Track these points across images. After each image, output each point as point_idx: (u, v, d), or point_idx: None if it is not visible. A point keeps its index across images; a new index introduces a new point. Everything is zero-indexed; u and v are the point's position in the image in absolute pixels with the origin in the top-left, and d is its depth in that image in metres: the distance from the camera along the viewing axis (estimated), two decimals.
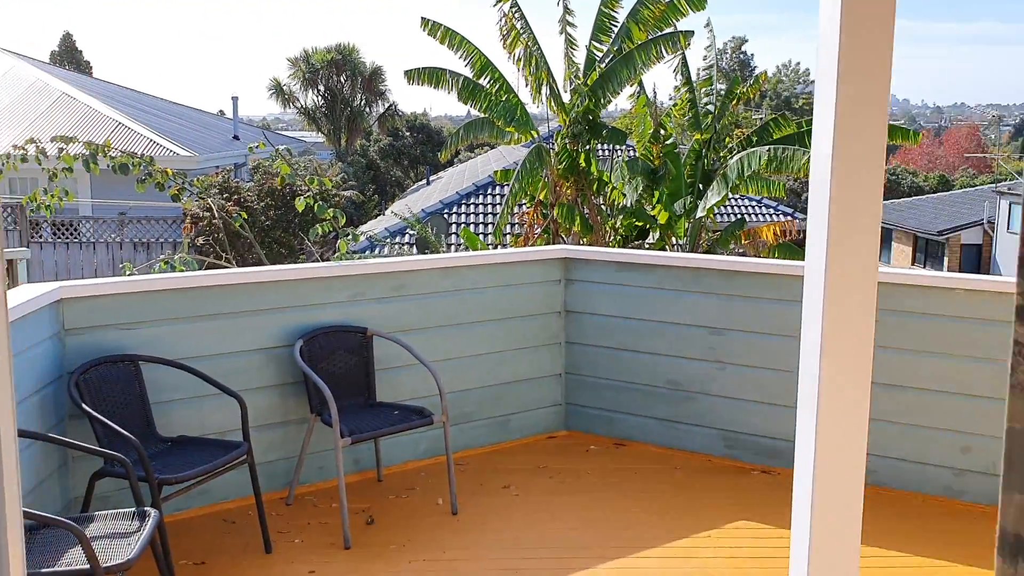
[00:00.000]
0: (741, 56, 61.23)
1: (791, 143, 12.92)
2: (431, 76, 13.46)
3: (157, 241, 15.06)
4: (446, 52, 13.37)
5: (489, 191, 21.00)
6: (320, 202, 5.12)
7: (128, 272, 4.65)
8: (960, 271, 30.62)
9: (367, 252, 18.27)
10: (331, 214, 5.13)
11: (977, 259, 30.66)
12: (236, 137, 27.38)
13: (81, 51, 48.45)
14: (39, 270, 14.92)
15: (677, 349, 5.35)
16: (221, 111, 33.07)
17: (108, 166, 5.46)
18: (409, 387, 5.10)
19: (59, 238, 15.04)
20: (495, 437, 5.49)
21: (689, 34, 13.10)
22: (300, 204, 5.13)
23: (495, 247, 13.91)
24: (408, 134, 46.62)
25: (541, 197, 13.89)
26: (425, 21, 13.34)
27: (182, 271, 4.71)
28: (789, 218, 22.88)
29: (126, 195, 14.27)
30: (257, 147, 5.37)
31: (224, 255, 5.35)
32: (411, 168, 45.87)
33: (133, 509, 3.40)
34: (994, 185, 32.22)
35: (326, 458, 4.88)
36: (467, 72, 13.56)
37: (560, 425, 5.75)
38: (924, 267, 32.10)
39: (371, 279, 4.99)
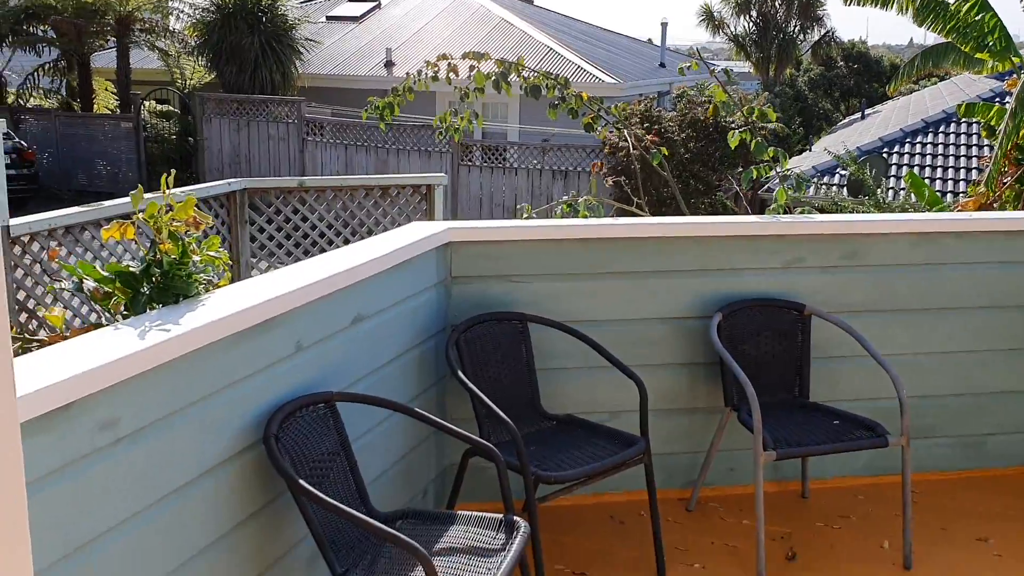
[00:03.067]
0: None
1: None
2: None
3: (575, 170, 14.94)
4: None
5: (942, 129, 18.13)
6: (758, 139, 4.06)
7: (527, 215, 4.02)
8: None
9: (791, 192, 16.68)
10: (772, 154, 4.05)
11: None
12: (662, 65, 26.75)
13: None
14: (466, 193, 15.56)
15: None
16: (650, 39, 32.66)
17: (521, 88, 4.89)
18: (851, 386, 3.94)
19: (487, 163, 15.55)
20: (965, 462, 4.14)
21: None
22: (734, 140, 4.12)
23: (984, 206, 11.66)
24: (842, 64, 42.82)
25: (1019, 139, 11.36)
26: None
27: (586, 216, 3.96)
28: None
29: (552, 121, 14.32)
30: (689, 68, 4.41)
31: (636, 199, 4.50)
32: (842, 101, 42.18)
33: (500, 517, 2.73)
34: None
35: (739, 459, 3.92)
36: None
37: None
38: None
39: (814, 242, 3.86)
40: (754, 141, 4.07)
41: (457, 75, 4.75)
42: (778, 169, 4.32)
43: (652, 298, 3.78)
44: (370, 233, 7.34)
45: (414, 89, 4.84)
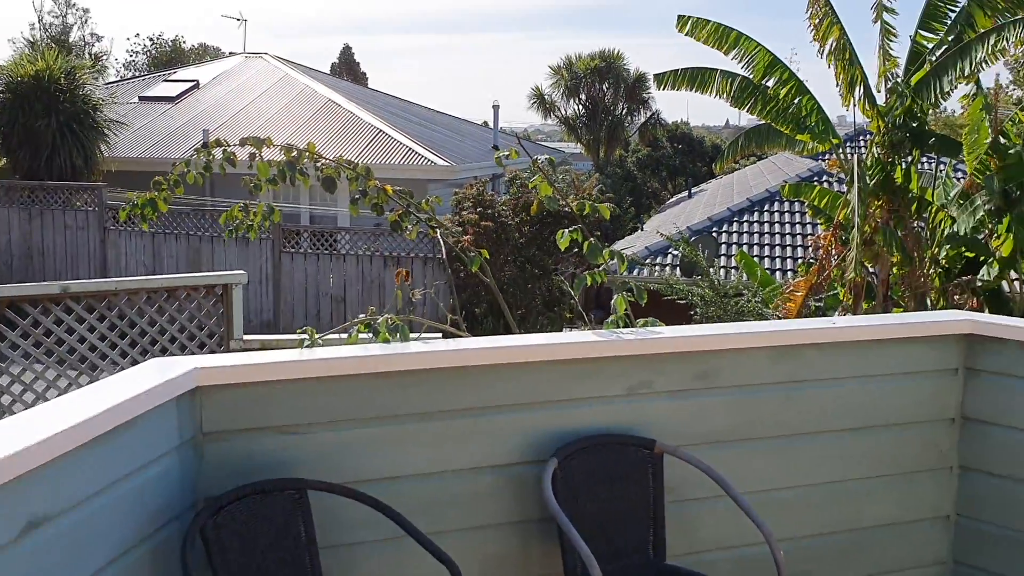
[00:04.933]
0: None
1: None
2: (694, 78, 11.34)
3: (408, 256, 14.18)
4: (713, 54, 11.25)
5: (767, 207, 18.62)
6: (591, 240, 3.42)
7: (309, 342, 3.18)
8: None
9: (627, 273, 16.58)
10: (607, 256, 3.42)
11: None
12: (496, 147, 26.72)
13: (359, 63, 50.65)
14: (289, 282, 14.47)
15: None
16: (485, 122, 32.77)
17: (318, 178, 4.11)
18: (714, 534, 3.28)
19: (315, 249, 14.59)
20: None
21: None
22: (563, 240, 3.46)
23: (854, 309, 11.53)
24: (668, 144, 44.62)
25: (840, 218, 11.51)
26: (683, 20, 11.23)
27: (386, 340, 3.17)
28: None
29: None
30: (508, 156, 3.76)
31: (451, 315, 3.75)
32: (669, 179, 43.79)
33: None
34: None
35: None
36: (743, 72, 11.39)
37: None
38: None
39: (662, 361, 3.22)
40: (587, 243, 3.42)
41: (234, 164, 3.92)
42: (613, 268, 3.70)
43: (470, 443, 3.01)
44: (154, 345, 6.27)
45: (206, 174, 3.99)
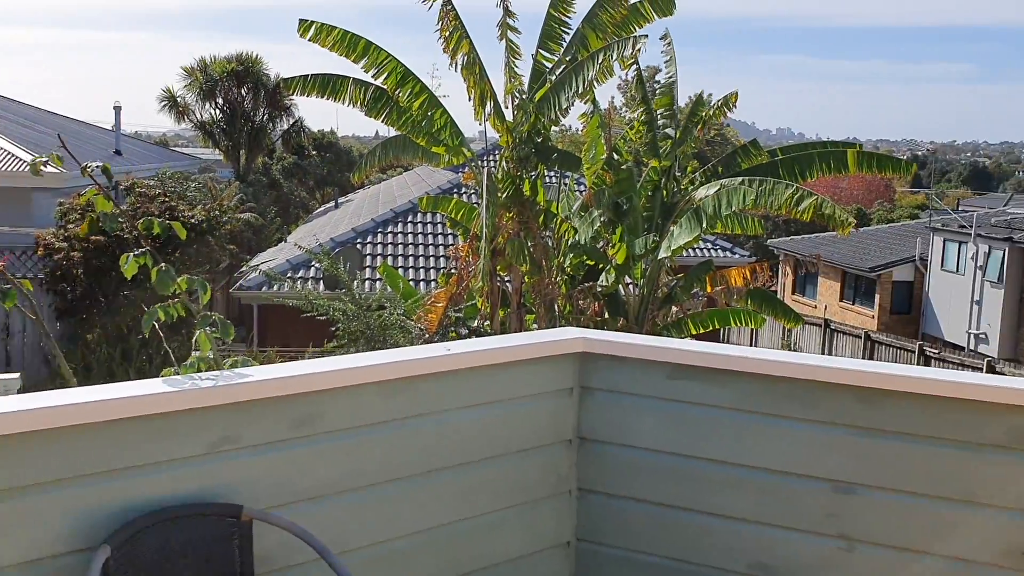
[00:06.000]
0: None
1: (762, 175, 11.10)
2: (326, 85, 10.95)
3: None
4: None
5: (410, 219, 18.71)
6: (163, 266, 2.82)
7: None
8: (891, 310, 29.72)
9: (264, 288, 15.74)
10: (183, 285, 2.84)
11: (908, 297, 29.74)
12: (119, 152, 24.36)
13: None
14: None
15: (772, 513, 3.24)
16: (115, 127, 29.83)
17: None
18: None
19: None
20: None
21: (641, 39, 10.85)
22: (129, 267, 2.83)
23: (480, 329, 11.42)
24: (315, 153, 43.86)
25: (476, 230, 11.72)
26: (305, 24, 10.77)
27: None
28: (736, 255, 21.34)
29: None
30: (48, 162, 3.04)
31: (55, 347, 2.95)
32: (317, 189, 43.07)
33: None
34: (928, 221, 31.49)
35: None
36: (377, 83, 11.20)
37: None
38: (853, 304, 31.11)
39: (252, 409, 2.72)
40: (156, 270, 2.82)
41: None
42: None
43: (4, 535, 2.30)
44: None
45: None
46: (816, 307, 31.51)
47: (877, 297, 29.90)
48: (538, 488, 3.44)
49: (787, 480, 3.20)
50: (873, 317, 29.70)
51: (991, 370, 22.26)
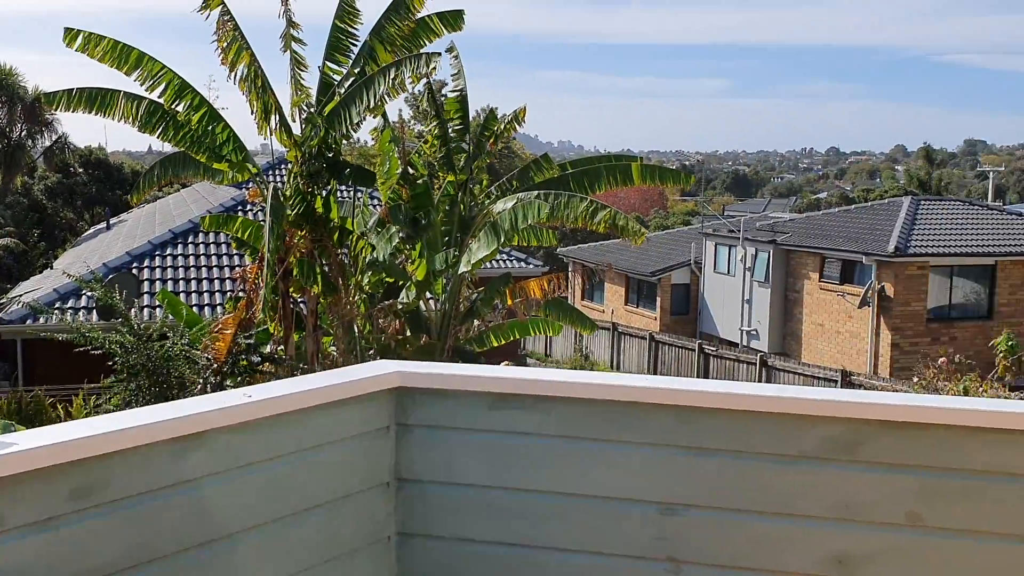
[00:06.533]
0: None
1: (555, 188, 11.33)
2: (93, 99, 10.13)
3: None
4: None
5: (191, 239, 17.65)
6: None
7: None
8: (672, 311, 31.40)
9: (29, 322, 14.29)
10: None
11: (686, 298, 31.56)
12: None
13: None
14: None
15: (602, 541, 3.16)
16: None
17: None
18: None
19: None
20: None
21: (435, 56, 10.86)
22: None
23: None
24: (82, 171, 40.71)
25: (265, 250, 11.17)
26: (71, 33, 9.95)
27: None
28: (531, 266, 21.73)
29: None
30: None
31: None
32: (86, 209, 39.97)
33: None
34: (700, 226, 33.54)
35: None
36: (152, 96, 10.49)
37: None
38: (637, 307, 32.62)
39: (15, 485, 2.31)
40: None
41: None
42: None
43: None
44: None
45: None
46: (604, 311, 32.79)
47: (659, 300, 31.51)
48: (354, 538, 3.19)
49: (615, 506, 3.14)
50: (656, 319, 31.28)
51: (763, 364, 24.00)
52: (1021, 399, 8.59)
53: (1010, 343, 8.12)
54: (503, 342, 11.79)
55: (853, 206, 36.15)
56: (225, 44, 9.89)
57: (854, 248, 25.14)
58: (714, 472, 3.09)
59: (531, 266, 21.27)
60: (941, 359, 8.48)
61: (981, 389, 7.90)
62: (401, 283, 11.42)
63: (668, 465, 3.12)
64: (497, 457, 3.21)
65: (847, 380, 21.63)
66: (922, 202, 27.97)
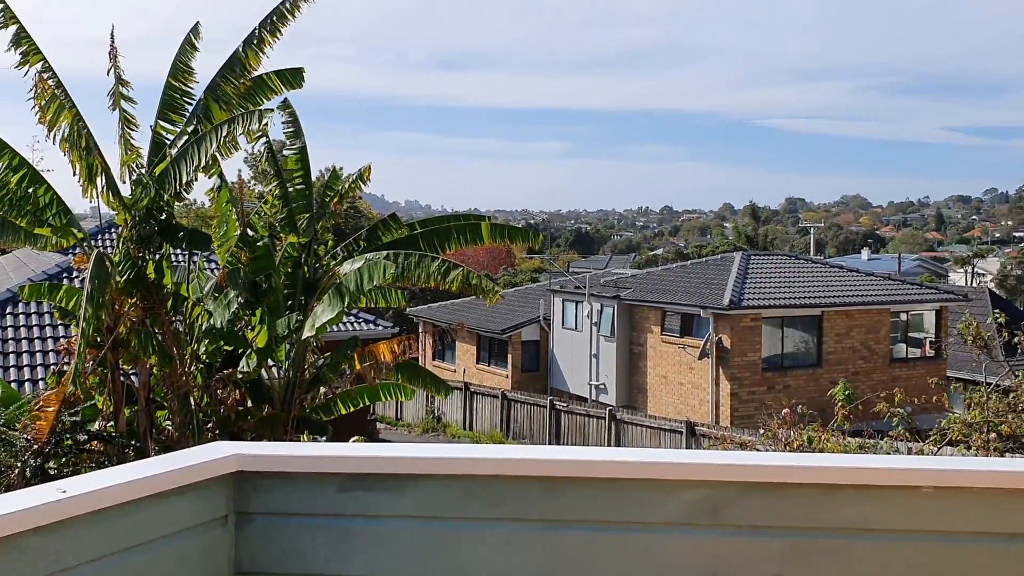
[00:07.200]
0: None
1: (404, 247, 11.17)
2: None
3: None
4: None
5: (10, 310, 16.33)
6: None
7: None
8: (523, 368, 31.58)
9: None
10: None
11: (536, 355, 31.84)
12: None
13: None
14: None
15: None
16: None
17: None
18: None
19: None
20: None
21: (267, 112, 10.39)
22: None
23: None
24: None
25: (81, 319, 10.40)
26: None
27: None
28: (380, 327, 21.33)
29: None
30: None
31: None
32: None
33: None
34: (548, 283, 34.08)
35: None
36: None
37: None
38: (489, 365, 32.64)
39: None
40: None
41: None
42: None
43: None
44: None
45: None
46: (455, 371, 32.62)
47: (510, 357, 31.65)
48: None
49: None
50: (507, 376, 31.36)
51: (613, 418, 24.36)
52: (862, 444, 8.98)
53: (847, 392, 8.55)
54: (352, 408, 11.38)
55: (689, 262, 37.72)
56: (43, 102, 9.26)
57: (692, 302, 26.12)
58: (578, 546, 2.95)
59: (380, 328, 20.88)
60: (784, 410, 8.78)
61: (823, 438, 8.20)
62: (241, 351, 10.88)
63: (529, 540, 2.95)
64: (347, 544, 2.96)
65: (692, 431, 22.24)
66: (752, 257, 29.47)
